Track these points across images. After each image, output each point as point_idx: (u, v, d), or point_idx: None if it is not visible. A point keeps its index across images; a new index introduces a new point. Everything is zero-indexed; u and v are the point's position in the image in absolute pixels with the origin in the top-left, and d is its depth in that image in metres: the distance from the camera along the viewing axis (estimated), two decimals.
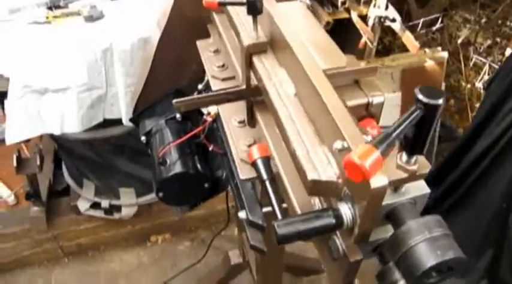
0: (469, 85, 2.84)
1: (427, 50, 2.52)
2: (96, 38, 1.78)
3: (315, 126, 0.77)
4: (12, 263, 2.51)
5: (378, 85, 1.11)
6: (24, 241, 2.44)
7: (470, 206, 2.13)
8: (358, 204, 0.65)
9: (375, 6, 2.19)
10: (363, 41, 2.05)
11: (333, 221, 0.68)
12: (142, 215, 2.55)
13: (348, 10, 2.11)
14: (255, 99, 1.01)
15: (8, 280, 2.51)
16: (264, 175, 0.81)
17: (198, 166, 1.54)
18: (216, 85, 1.22)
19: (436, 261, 0.61)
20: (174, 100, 0.99)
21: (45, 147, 2.58)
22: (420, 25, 2.37)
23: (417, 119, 0.58)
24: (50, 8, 1.92)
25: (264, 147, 0.85)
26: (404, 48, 2.52)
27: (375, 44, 2.34)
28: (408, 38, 2.08)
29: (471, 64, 2.80)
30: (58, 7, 1.93)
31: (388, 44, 2.87)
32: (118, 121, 1.97)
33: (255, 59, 0.92)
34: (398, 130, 0.55)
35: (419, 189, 0.70)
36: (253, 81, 0.96)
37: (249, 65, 0.95)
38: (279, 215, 0.78)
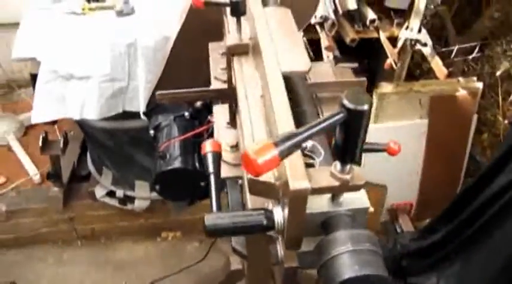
0: (506, 121, 2.70)
1: (461, 78, 2.44)
2: (123, 32, 1.86)
3: (269, 127, 0.77)
4: (30, 238, 2.63)
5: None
6: (42, 219, 2.56)
7: (484, 245, 2.02)
8: (287, 207, 0.65)
9: (407, 28, 2.15)
10: (388, 62, 2.02)
11: (264, 221, 0.68)
12: (156, 210, 2.61)
13: (377, 29, 2.09)
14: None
15: (24, 253, 2.63)
16: (211, 169, 0.83)
17: (197, 164, 1.57)
18: (216, 86, 1.24)
19: (351, 275, 0.59)
20: (158, 92, 1.03)
21: (76, 132, 2.71)
22: (455, 52, 2.29)
23: (336, 124, 0.57)
24: (88, 1, 2.03)
25: (216, 143, 0.87)
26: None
27: (405, 67, 2.30)
28: (437, 64, 2.02)
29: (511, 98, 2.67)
30: (96, 0, 2.03)
31: (427, 70, 2.80)
32: (138, 115, 2.04)
33: (234, 60, 0.94)
34: (306, 133, 0.54)
35: (359, 202, 0.69)
36: None
37: (230, 65, 0.96)
38: (214, 208, 0.78)
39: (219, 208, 0.81)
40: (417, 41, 2.09)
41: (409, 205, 2.68)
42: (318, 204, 0.68)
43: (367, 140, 1.11)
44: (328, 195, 0.68)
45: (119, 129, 2.18)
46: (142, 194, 2.48)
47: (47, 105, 1.96)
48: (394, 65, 2.00)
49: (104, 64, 1.86)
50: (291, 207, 0.61)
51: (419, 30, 2.13)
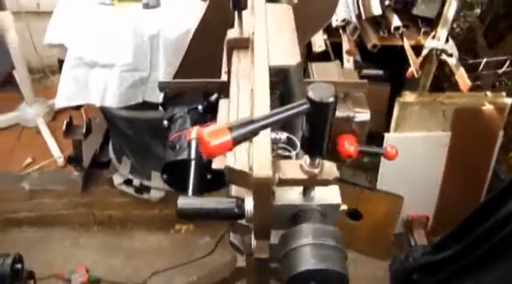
0: None
1: (488, 93, 2.36)
2: (147, 24, 1.91)
3: None
4: (50, 218, 2.72)
5: (366, 103, 1.08)
6: (62, 201, 2.65)
7: (496, 267, 1.95)
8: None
9: (434, 37, 2.10)
10: (410, 70, 1.98)
11: (235, 209, 0.69)
12: (170, 202, 2.65)
13: (402, 37, 2.05)
14: None
15: (43, 232, 2.73)
16: (192, 154, 0.84)
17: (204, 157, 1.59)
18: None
19: (307, 267, 0.59)
20: (160, 80, 1.05)
21: (101, 120, 2.79)
22: (484, 65, 2.23)
23: (296, 114, 0.57)
24: None
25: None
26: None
27: (430, 77, 2.25)
28: (462, 76, 1.97)
29: None
30: None
31: (455, 83, 2.73)
32: (158, 106, 2.08)
33: (233, 54, 0.95)
34: (264, 121, 0.55)
35: (331, 198, 0.69)
36: None
37: (229, 59, 0.98)
38: (190, 193, 0.80)
39: (195, 193, 0.83)
40: (443, 51, 2.04)
41: (426, 218, 2.62)
42: (289, 197, 0.69)
43: (367, 146, 1.11)
44: (301, 189, 0.68)
45: (139, 118, 2.24)
46: (158, 185, 2.52)
47: (71, 91, 2.03)
48: (415, 74, 1.96)
49: (127, 54, 1.91)
50: (255, 195, 0.62)
51: (447, 40, 2.08)
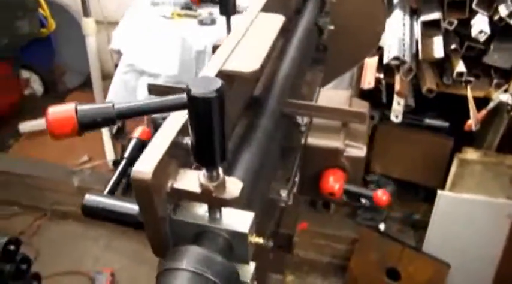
0: None
1: None
2: (197, 39, 1.93)
3: None
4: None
5: (364, 138, 0.96)
6: None
7: None
8: None
9: (506, 91, 1.87)
10: (469, 122, 1.76)
11: (138, 217, 0.62)
12: None
13: (466, 85, 1.84)
14: None
15: (82, 228, 2.82)
16: (126, 153, 0.79)
17: None
18: None
19: None
20: (148, 82, 1.02)
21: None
22: None
23: (169, 108, 0.48)
24: (182, 7, 2.16)
25: (147, 131, 0.82)
26: None
27: (499, 134, 2.00)
28: None
29: None
30: (189, 8, 2.15)
31: None
32: None
33: None
34: (120, 109, 0.47)
35: (237, 224, 0.58)
36: None
37: None
38: (106, 191, 0.74)
39: (112, 193, 0.77)
40: None
41: None
42: (194, 214, 0.60)
43: (355, 186, 0.97)
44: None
45: None
46: None
47: (121, 94, 2.10)
48: (473, 127, 1.74)
49: (174, 66, 1.94)
50: (136, 197, 0.54)
51: None
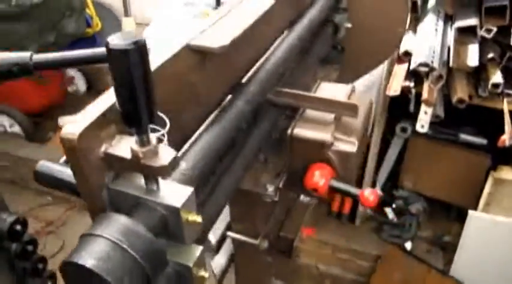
0: None
1: None
2: None
3: None
4: None
5: (359, 134, 0.90)
6: None
7: None
8: None
9: None
10: (502, 138, 1.63)
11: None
12: None
13: (502, 97, 1.71)
14: None
15: None
16: None
17: None
18: None
19: (71, 260, 0.47)
20: None
21: None
22: None
23: (90, 59, 0.46)
24: (214, 8, 2.17)
25: None
26: None
27: None
28: None
29: None
30: None
31: None
32: None
33: None
34: (39, 56, 0.45)
35: (172, 198, 0.55)
36: None
37: None
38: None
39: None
40: None
41: None
42: (133, 184, 0.57)
43: (341, 182, 0.91)
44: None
45: None
46: None
47: None
48: (507, 142, 1.60)
49: None
50: (67, 160, 0.52)
51: None
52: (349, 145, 0.88)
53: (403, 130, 2.25)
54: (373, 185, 2.40)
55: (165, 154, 0.52)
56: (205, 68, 0.73)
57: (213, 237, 1.20)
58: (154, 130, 0.60)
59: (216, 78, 0.77)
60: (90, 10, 3.10)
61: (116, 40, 0.45)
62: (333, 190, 0.88)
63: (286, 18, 1.04)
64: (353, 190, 0.87)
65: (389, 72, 1.87)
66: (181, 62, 0.68)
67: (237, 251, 1.27)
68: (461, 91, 1.67)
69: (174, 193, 0.55)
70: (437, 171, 2.28)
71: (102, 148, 0.54)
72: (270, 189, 0.95)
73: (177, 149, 0.66)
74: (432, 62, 1.62)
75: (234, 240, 1.22)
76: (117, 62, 0.45)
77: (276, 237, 1.34)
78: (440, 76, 1.67)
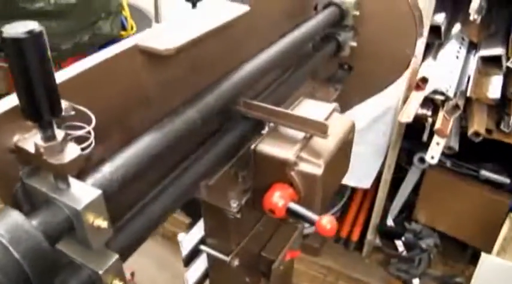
0: None
1: None
2: None
3: None
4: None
5: (326, 157, 0.84)
6: None
7: None
8: None
9: None
10: None
11: None
12: None
13: None
14: None
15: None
16: None
17: None
18: None
19: None
20: None
21: None
22: None
23: None
24: None
25: None
26: None
27: None
28: None
29: None
30: None
31: None
32: None
33: None
34: None
35: (78, 199, 0.51)
36: None
37: None
38: None
39: None
40: None
41: None
42: (46, 180, 0.54)
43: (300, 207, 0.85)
44: None
45: None
46: None
47: None
48: None
49: None
50: None
51: None
52: (314, 167, 0.82)
53: (421, 160, 2.15)
54: (385, 215, 2.30)
55: (71, 151, 0.50)
56: (157, 70, 0.70)
57: (184, 249, 1.16)
58: (80, 128, 0.58)
59: (173, 83, 0.74)
60: (126, 13, 3.18)
61: (11, 29, 0.43)
62: (290, 213, 0.82)
63: (276, 30, 1.01)
64: (310, 215, 0.81)
65: (406, 98, 1.79)
66: (129, 62, 0.66)
67: (212, 267, 1.23)
68: (478, 124, 1.57)
69: (81, 194, 0.52)
70: (454, 207, 2.15)
71: (14, 140, 0.52)
72: (234, 204, 0.91)
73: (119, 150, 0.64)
74: (448, 90, 1.53)
75: (208, 255, 1.18)
76: (11, 51, 0.43)
77: (256, 256, 1.28)
78: (456, 106, 1.58)
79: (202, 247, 1.15)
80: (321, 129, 0.82)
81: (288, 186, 0.84)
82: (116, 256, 0.57)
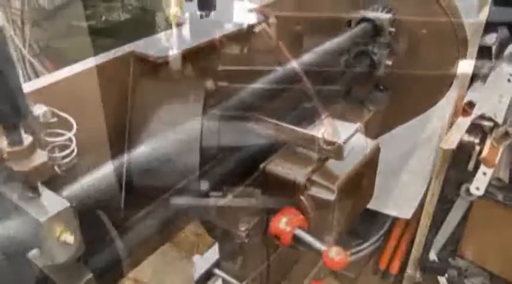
0: None
1: None
2: None
3: None
4: None
5: (340, 181, 0.77)
6: None
7: None
8: None
9: None
10: None
11: None
12: None
13: None
14: None
15: None
16: None
17: None
18: None
19: None
20: None
21: None
22: None
23: None
24: None
25: None
26: None
27: None
28: None
29: None
30: None
31: None
32: None
33: None
34: None
35: (40, 212, 0.48)
36: None
37: None
38: None
39: None
40: None
41: None
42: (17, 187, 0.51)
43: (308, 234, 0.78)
44: None
45: None
46: None
47: None
48: None
49: None
50: None
51: None
52: (326, 192, 0.75)
53: (469, 191, 1.98)
54: (428, 249, 2.14)
55: (37, 159, 0.46)
56: (157, 78, 0.66)
57: (197, 273, 1.11)
58: (60, 135, 0.55)
59: (176, 92, 0.70)
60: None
61: None
62: (297, 241, 0.75)
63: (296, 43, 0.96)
64: (318, 245, 0.73)
65: (452, 123, 1.67)
66: (124, 67, 0.63)
67: None
68: (493, 146, 1.42)
69: (48, 205, 0.48)
70: (505, 244, 1.96)
71: None
72: (242, 228, 0.85)
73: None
74: (497, 116, 1.41)
75: (223, 280, 1.12)
76: None
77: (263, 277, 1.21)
78: (506, 134, 1.44)
79: (216, 271, 1.10)
80: (335, 149, 0.75)
81: (297, 210, 0.77)
82: (90, 275, 0.53)
